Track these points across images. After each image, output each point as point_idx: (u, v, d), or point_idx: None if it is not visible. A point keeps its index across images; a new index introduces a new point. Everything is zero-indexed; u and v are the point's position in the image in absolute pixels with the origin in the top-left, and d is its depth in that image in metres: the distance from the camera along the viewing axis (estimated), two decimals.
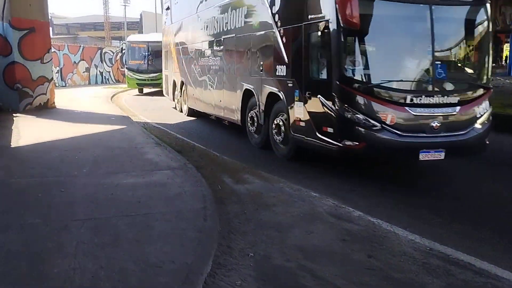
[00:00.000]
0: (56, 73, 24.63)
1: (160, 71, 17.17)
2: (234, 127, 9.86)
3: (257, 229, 4.21)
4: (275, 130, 7.63)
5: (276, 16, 7.32)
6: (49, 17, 13.40)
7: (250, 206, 4.92)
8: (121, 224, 4.05)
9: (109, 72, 31.62)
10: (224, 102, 9.88)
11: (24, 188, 5.17)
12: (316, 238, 4.03)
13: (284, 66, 7.12)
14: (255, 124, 8.45)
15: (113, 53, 32.19)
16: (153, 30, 58.62)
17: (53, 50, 18.50)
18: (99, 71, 30.46)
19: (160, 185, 5.34)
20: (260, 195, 5.33)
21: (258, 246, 3.81)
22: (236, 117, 9.22)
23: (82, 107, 14.26)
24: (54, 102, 13.68)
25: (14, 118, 10.90)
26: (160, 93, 17.79)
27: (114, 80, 31.95)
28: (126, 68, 22.33)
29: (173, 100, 14.23)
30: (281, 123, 7.43)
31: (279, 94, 7.34)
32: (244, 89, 8.64)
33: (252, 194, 5.36)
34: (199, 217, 4.29)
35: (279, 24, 7.26)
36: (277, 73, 7.35)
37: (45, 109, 13.00)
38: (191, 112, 12.69)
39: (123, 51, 23.54)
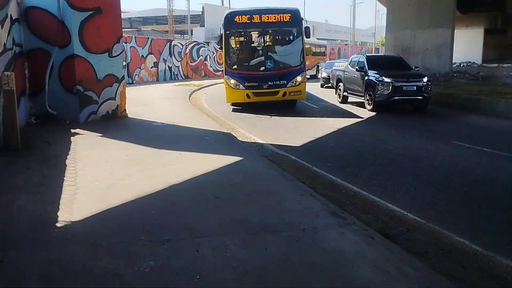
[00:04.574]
0: (123, 68, 21.52)
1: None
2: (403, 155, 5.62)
3: None
4: None
5: None
6: None
7: None
8: None
9: (178, 67, 28.30)
10: None
11: None
12: None
13: None
14: None
15: (182, 46, 28.85)
16: (216, 24, 55.39)
17: None
18: (168, 66, 27.21)
19: None
20: None
21: None
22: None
23: (160, 115, 10.63)
24: (125, 109, 10.11)
25: (71, 139, 7.34)
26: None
27: (183, 76, 28.65)
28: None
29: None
30: None
31: None
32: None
33: None
34: None
35: None
36: None
37: (114, 120, 9.45)
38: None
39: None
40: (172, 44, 27.71)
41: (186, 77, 28.78)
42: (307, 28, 11.96)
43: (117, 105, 9.80)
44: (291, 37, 12.28)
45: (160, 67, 26.38)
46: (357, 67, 12.99)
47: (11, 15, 7.84)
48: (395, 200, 4.84)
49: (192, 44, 30.27)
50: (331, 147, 7.90)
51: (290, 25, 12.00)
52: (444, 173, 6.11)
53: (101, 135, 7.78)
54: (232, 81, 11.84)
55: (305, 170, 6.10)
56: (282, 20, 11.85)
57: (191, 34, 55.68)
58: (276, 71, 11.81)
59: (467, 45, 32.69)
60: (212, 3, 62.75)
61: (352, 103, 14.10)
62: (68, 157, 6.07)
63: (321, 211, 4.12)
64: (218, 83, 23.89)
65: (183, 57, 28.76)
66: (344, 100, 14.36)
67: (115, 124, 9.05)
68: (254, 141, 8.16)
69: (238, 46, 12.45)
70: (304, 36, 11.97)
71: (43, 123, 8.57)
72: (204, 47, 31.07)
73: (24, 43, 8.72)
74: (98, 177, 5.08)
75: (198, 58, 30.35)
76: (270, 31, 12.20)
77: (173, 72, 27.76)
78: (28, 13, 8.80)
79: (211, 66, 31.63)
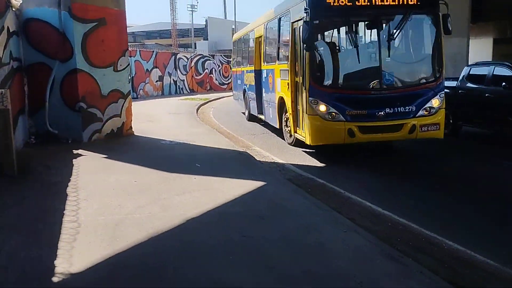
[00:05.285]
0: (128, 83, 20.93)
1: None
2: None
3: None
4: None
5: None
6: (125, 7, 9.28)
7: None
8: None
9: (183, 80, 27.74)
10: None
11: None
12: None
13: None
14: None
15: (188, 59, 28.31)
16: (219, 37, 55.25)
17: None
18: (173, 79, 26.66)
19: None
20: None
21: None
22: None
23: (168, 132, 9.97)
24: (131, 127, 9.46)
25: (73, 161, 6.67)
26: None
27: (188, 90, 28.08)
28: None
29: None
30: None
31: None
32: None
33: None
34: None
35: None
36: None
37: (120, 139, 8.80)
38: None
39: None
40: (177, 58, 27.22)
41: (191, 91, 28.23)
42: (446, 18, 7.04)
43: (123, 122, 9.16)
44: (422, 33, 7.52)
45: (165, 81, 25.86)
46: (504, 84, 8.09)
47: (8, 27, 7.24)
48: (453, 235, 4.10)
49: (197, 57, 29.77)
50: (361, 168, 7.19)
51: (421, 12, 7.14)
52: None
53: (106, 156, 7.12)
54: (323, 108, 6.97)
55: (337, 195, 5.37)
56: (406, 2, 6.94)
57: (195, 48, 55.44)
58: (397, 89, 7.13)
59: (476, 54, 32.07)
60: (215, 16, 62.69)
61: (470, 134, 9.89)
62: (69, 183, 5.39)
63: (374, 254, 3.40)
64: (224, 97, 23.33)
65: (188, 70, 28.24)
66: (455, 131, 9.54)
67: (121, 143, 8.39)
68: (273, 160, 7.45)
69: (333, 47, 7.43)
70: (442, 31, 7.13)
71: (43, 143, 7.93)
72: (209, 60, 30.58)
73: (23, 57, 8.12)
74: (103, 210, 4.38)
75: (203, 71, 29.83)
76: (386, 21, 7.30)
77: (178, 85, 27.23)
78: (27, 26, 8.22)
79: (216, 80, 31.09)
